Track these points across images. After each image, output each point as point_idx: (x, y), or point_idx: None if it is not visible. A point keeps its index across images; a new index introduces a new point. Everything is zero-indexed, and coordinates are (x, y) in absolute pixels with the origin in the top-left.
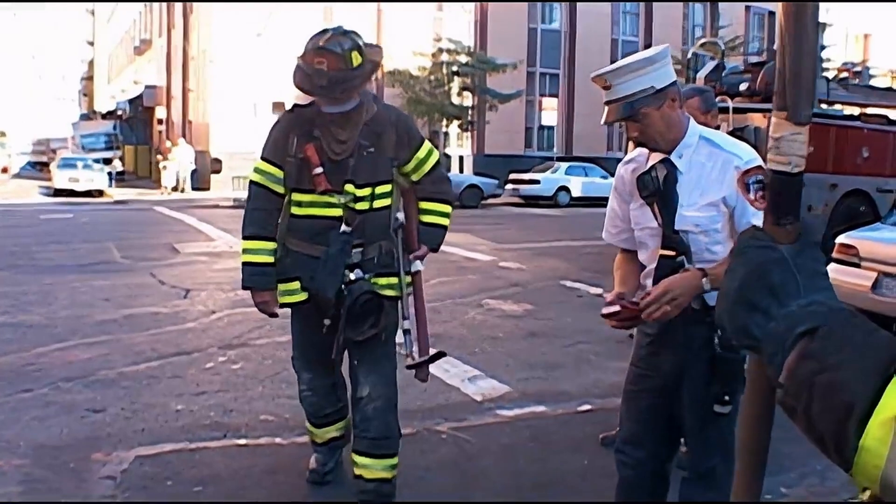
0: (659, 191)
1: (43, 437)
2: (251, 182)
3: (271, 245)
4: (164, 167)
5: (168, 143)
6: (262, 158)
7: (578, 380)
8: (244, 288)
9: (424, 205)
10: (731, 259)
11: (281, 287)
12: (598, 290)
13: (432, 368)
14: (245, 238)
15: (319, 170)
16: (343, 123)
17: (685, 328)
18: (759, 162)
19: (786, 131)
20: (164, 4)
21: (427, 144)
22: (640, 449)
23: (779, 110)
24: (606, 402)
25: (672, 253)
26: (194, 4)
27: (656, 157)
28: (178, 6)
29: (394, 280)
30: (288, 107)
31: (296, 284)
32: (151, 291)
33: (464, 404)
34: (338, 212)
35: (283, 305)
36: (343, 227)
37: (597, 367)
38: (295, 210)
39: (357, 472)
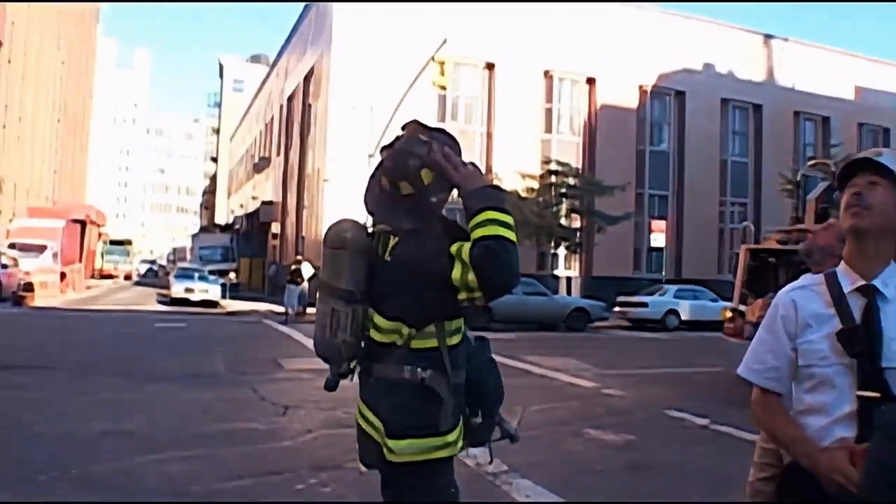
0: (863, 335)
1: None
2: None
3: None
4: (291, 290)
5: (303, 264)
6: None
7: None
8: None
9: None
10: None
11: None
12: (705, 422)
13: None
14: None
15: None
16: None
17: None
18: None
19: None
20: (284, 124)
21: None
22: None
23: None
24: None
25: (877, 395)
26: (311, 125)
27: (850, 282)
28: (297, 127)
29: None
30: None
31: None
32: (251, 406)
33: None
34: None
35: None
36: None
37: None
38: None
39: None
